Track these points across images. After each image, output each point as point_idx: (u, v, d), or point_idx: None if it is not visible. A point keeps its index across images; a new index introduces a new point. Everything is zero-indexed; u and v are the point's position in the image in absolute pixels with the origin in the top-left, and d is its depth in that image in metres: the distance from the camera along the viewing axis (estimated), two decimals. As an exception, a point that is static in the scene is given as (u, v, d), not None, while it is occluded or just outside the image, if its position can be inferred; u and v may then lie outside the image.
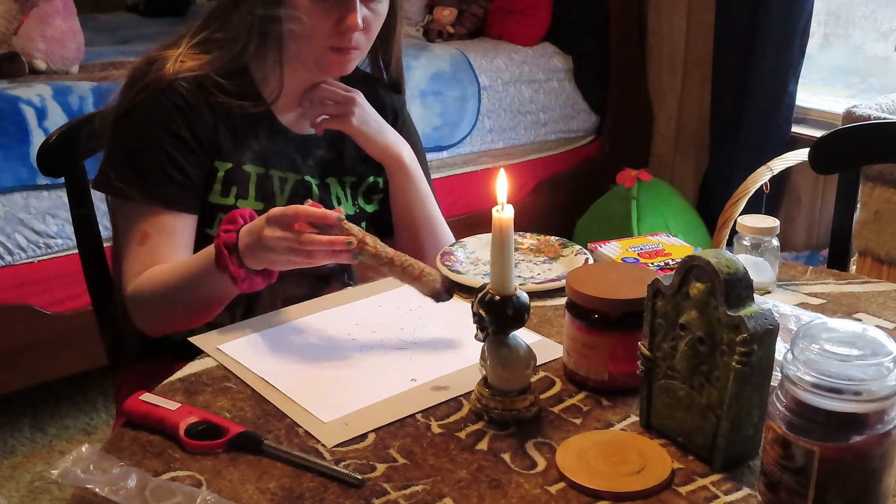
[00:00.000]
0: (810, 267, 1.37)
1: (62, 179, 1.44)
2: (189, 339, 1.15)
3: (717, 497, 0.84)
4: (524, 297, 0.94)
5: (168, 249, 1.25)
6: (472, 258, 1.37)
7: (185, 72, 1.28)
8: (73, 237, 1.52)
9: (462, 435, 0.94)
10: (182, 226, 1.28)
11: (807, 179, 2.95)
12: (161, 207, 1.26)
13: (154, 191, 1.26)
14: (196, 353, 1.12)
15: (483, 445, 0.92)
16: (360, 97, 1.37)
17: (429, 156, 1.64)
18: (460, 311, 1.20)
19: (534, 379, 1.00)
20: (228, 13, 1.29)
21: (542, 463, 0.89)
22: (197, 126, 1.28)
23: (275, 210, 1.08)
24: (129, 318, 1.30)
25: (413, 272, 1.09)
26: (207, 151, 1.30)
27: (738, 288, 0.85)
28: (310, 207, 1.08)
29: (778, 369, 0.82)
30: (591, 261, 1.34)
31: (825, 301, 1.24)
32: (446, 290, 1.10)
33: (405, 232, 1.45)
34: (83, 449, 0.89)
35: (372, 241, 1.08)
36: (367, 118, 1.37)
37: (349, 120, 1.35)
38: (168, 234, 1.26)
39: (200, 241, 1.29)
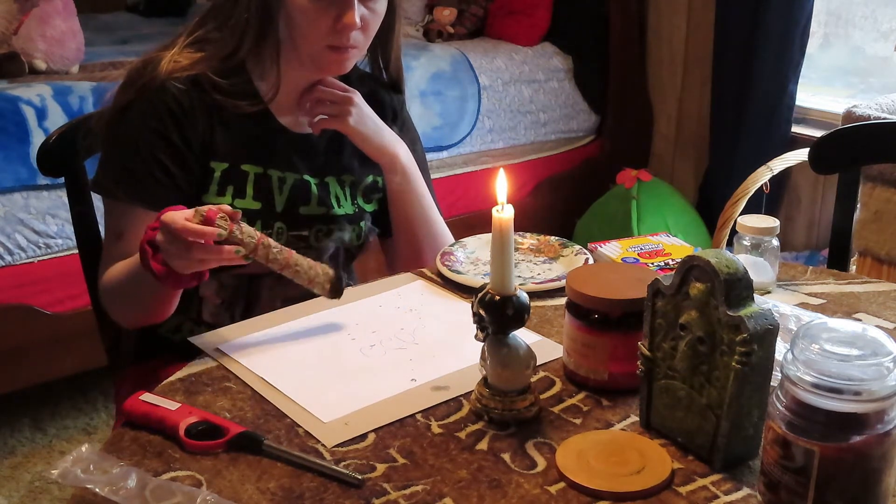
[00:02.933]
0: (810, 267, 1.37)
1: (62, 179, 1.44)
2: (189, 339, 1.15)
3: (717, 497, 0.84)
4: (524, 297, 0.94)
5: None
6: (472, 258, 1.37)
7: (179, 71, 1.27)
8: (73, 237, 1.52)
9: (462, 435, 0.94)
10: None
11: (807, 179, 2.95)
12: (140, 207, 1.26)
13: (136, 191, 1.26)
14: (196, 353, 1.12)
15: (483, 445, 0.92)
16: (357, 97, 1.37)
17: (429, 156, 1.64)
18: (460, 311, 1.21)
19: (534, 379, 1.00)
20: (225, 11, 1.29)
21: (542, 463, 0.89)
22: (188, 128, 1.28)
23: (164, 217, 1.07)
24: None
25: (304, 277, 1.11)
26: (199, 154, 1.30)
27: (738, 288, 0.85)
28: (189, 225, 1.05)
29: (778, 369, 0.82)
30: (591, 261, 1.34)
31: (825, 301, 1.24)
32: (332, 290, 1.13)
33: (403, 232, 1.45)
34: (83, 449, 0.89)
35: (263, 250, 1.08)
36: (363, 118, 1.37)
37: (346, 120, 1.35)
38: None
39: None
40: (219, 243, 1.06)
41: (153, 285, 1.13)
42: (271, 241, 1.10)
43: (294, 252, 1.11)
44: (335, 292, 1.13)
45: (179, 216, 1.07)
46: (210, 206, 1.08)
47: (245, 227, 1.08)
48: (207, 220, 1.06)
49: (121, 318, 1.32)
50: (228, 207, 1.09)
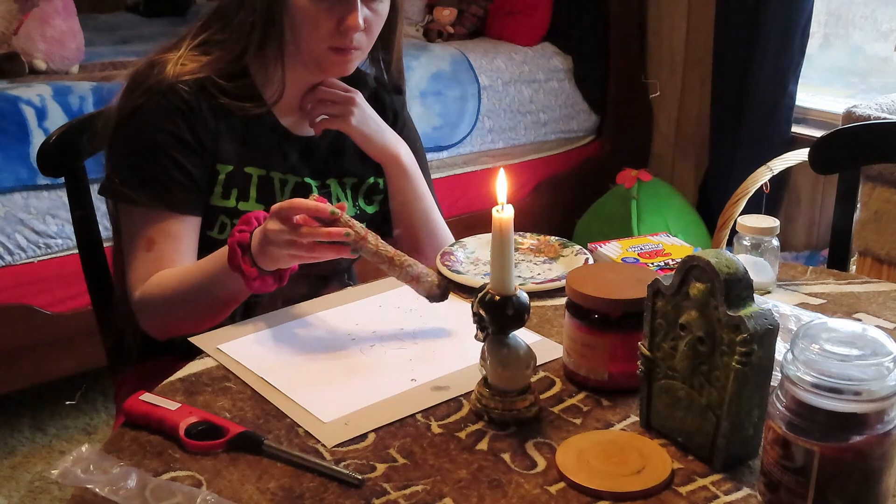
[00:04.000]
0: (810, 267, 1.37)
1: (62, 179, 1.44)
2: (189, 338, 1.15)
3: (717, 497, 0.84)
4: (524, 297, 0.94)
5: (173, 254, 1.25)
6: (472, 258, 1.37)
7: (185, 74, 1.28)
8: (73, 237, 1.52)
9: (462, 435, 0.94)
10: (187, 229, 1.28)
11: (807, 179, 2.95)
12: (166, 211, 1.26)
13: (158, 194, 1.26)
14: (196, 353, 1.12)
15: (483, 445, 0.92)
16: (359, 97, 1.37)
17: (429, 156, 1.64)
18: (460, 311, 1.21)
19: (534, 379, 1.00)
20: (229, 14, 1.29)
21: (542, 463, 0.89)
22: (199, 128, 1.28)
23: (277, 204, 1.10)
24: (130, 319, 1.30)
25: (412, 272, 1.11)
26: (209, 154, 1.30)
27: (738, 288, 0.85)
28: (306, 200, 1.09)
29: (778, 369, 0.82)
30: (591, 261, 1.34)
31: (825, 301, 1.24)
32: (442, 292, 1.11)
33: (404, 231, 1.45)
34: (83, 449, 0.89)
35: (373, 239, 1.10)
36: (366, 118, 1.37)
37: (348, 120, 1.35)
38: (173, 239, 1.26)
39: (202, 244, 1.29)
40: (330, 224, 1.08)
41: (232, 289, 1.15)
42: (377, 235, 1.11)
43: (398, 250, 1.12)
44: (441, 295, 1.11)
45: (289, 201, 1.09)
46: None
47: (352, 219, 1.11)
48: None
49: (164, 328, 1.29)
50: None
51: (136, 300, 1.27)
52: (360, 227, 1.10)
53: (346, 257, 1.11)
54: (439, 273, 1.13)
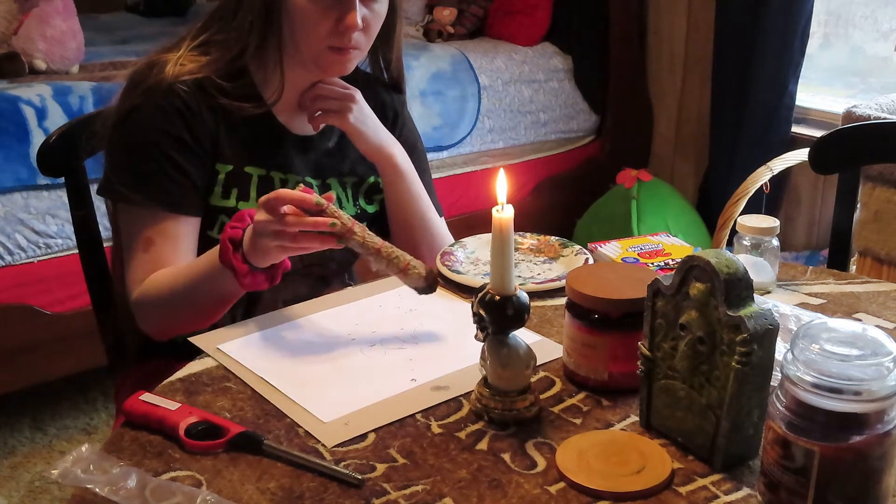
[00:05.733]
0: (810, 267, 1.37)
1: (62, 179, 1.44)
2: (189, 339, 1.15)
3: (717, 497, 0.84)
4: (524, 297, 0.94)
5: (172, 254, 1.25)
6: (472, 258, 1.37)
7: (184, 74, 1.28)
8: (73, 237, 1.52)
9: (462, 435, 0.94)
10: (185, 229, 1.28)
11: (807, 179, 2.95)
12: (164, 211, 1.26)
13: (156, 194, 1.26)
14: (196, 353, 1.12)
15: (483, 445, 0.92)
16: (358, 95, 1.37)
17: (429, 156, 1.64)
18: (460, 311, 1.21)
19: (534, 379, 1.00)
20: (228, 15, 1.29)
21: (542, 463, 0.89)
22: (197, 128, 1.28)
23: (265, 196, 1.09)
24: (130, 319, 1.30)
25: (399, 264, 1.11)
26: (209, 154, 1.30)
27: (738, 288, 0.85)
28: (291, 191, 1.09)
29: (778, 369, 0.82)
30: (591, 261, 1.34)
31: (825, 301, 1.24)
32: (429, 283, 1.12)
33: (401, 232, 1.45)
34: (83, 449, 0.89)
35: (360, 230, 1.10)
36: (363, 116, 1.37)
37: (346, 116, 1.35)
38: (171, 239, 1.26)
39: (202, 245, 1.29)
40: (315, 214, 1.07)
41: (224, 286, 1.14)
42: (365, 226, 1.11)
43: (386, 241, 1.12)
44: (430, 287, 1.12)
45: (276, 191, 1.09)
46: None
47: (340, 210, 1.10)
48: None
49: (160, 328, 1.29)
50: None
51: (133, 301, 1.27)
52: (346, 218, 1.09)
53: (333, 247, 1.11)
54: (427, 265, 1.12)
